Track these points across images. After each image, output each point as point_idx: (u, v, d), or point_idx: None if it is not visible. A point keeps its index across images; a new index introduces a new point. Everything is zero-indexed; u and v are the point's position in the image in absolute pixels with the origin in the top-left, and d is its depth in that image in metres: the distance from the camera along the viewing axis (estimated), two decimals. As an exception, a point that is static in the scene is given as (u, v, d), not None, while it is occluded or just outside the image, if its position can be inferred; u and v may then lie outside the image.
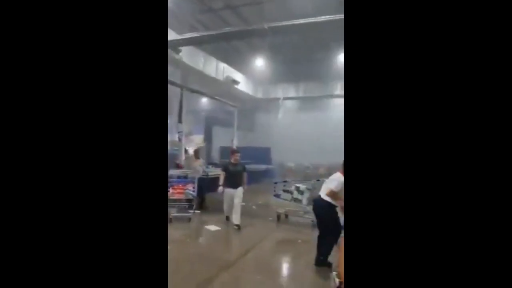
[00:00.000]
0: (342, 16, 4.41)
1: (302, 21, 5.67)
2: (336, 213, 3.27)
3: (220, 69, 9.23)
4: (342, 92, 11.91)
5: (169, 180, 5.57)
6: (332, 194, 3.22)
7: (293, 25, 5.77)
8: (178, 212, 5.32)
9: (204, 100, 14.44)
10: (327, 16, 5.44)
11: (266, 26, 5.80)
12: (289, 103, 14.06)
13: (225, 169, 5.26)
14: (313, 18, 5.59)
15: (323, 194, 3.35)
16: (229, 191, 5.13)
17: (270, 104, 13.57)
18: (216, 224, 5.15)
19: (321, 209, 3.33)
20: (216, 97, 10.95)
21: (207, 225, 5.13)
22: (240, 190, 5.06)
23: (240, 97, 11.96)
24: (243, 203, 5.32)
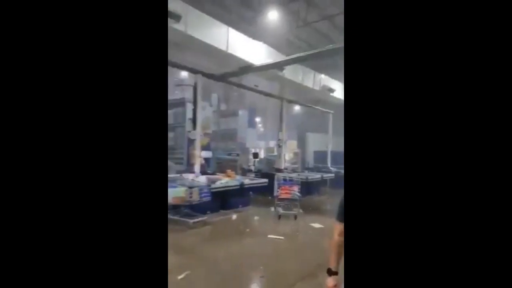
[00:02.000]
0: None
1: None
2: None
3: (317, 80, 9.87)
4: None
5: (278, 182, 6.50)
6: None
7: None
8: (285, 210, 6.16)
9: (297, 107, 15.22)
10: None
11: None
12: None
13: None
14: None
15: None
16: None
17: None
18: (319, 223, 5.79)
19: None
20: (309, 105, 11.60)
21: (311, 223, 5.82)
22: None
23: (335, 103, 12.31)
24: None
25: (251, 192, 7.25)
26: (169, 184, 5.10)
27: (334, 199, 6.86)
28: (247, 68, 7.20)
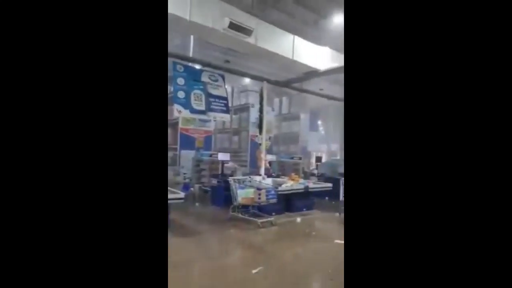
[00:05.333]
0: None
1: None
2: None
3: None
4: None
5: (343, 187, 6.42)
6: None
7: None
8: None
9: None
10: None
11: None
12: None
13: None
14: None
15: None
16: None
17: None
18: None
19: None
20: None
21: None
22: None
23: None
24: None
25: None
26: (238, 185, 5.51)
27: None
28: (311, 73, 7.30)
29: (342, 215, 5.98)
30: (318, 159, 10.65)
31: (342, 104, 9.84)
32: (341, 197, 6.24)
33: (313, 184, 7.17)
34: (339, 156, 10.13)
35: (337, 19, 8.32)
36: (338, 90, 10.82)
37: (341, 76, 8.19)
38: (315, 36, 8.24)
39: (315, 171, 9.92)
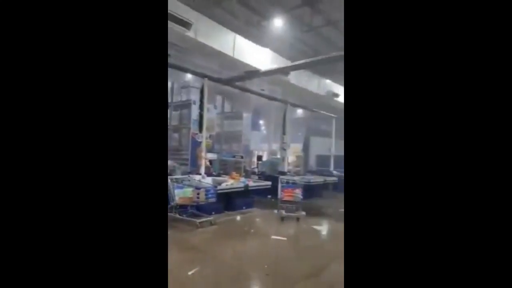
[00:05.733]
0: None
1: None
2: None
3: (321, 85, 10.05)
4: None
5: (281, 185, 6.66)
6: None
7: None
8: (287, 212, 6.30)
9: (301, 110, 15.39)
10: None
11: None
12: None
13: None
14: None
15: None
16: None
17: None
18: (320, 225, 5.94)
19: None
20: (314, 109, 11.75)
21: (314, 225, 5.96)
22: None
23: (339, 108, 12.45)
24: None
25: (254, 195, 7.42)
26: (176, 184, 5.28)
27: (336, 203, 7.06)
28: (253, 73, 7.39)
29: (281, 211, 6.20)
30: (259, 157, 10.87)
31: (282, 104, 10.21)
32: (279, 195, 6.45)
33: (253, 183, 7.27)
34: (279, 155, 10.49)
35: (278, 22, 8.57)
36: (279, 91, 11.20)
37: (282, 78, 8.55)
38: (257, 36, 8.38)
39: (256, 170, 10.11)
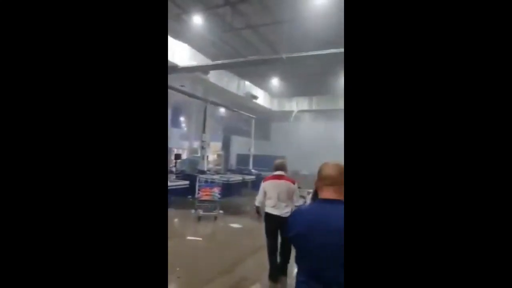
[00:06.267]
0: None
1: (315, 52, 6.67)
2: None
3: (241, 86, 10.28)
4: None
5: (199, 184, 6.56)
6: None
7: (307, 56, 6.77)
8: (205, 212, 6.25)
9: (222, 109, 15.50)
10: (338, 50, 6.43)
11: (284, 56, 6.82)
12: (303, 115, 15.01)
13: None
14: (325, 51, 6.59)
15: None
16: None
17: (286, 115, 14.47)
18: (238, 223, 6.07)
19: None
20: (235, 110, 11.98)
21: (231, 223, 6.06)
22: None
23: (258, 110, 12.98)
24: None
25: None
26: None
27: (253, 201, 7.28)
28: (170, 69, 7.08)
29: (198, 211, 6.10)
30: (177, 156, 10.49)
31: (203, 102, 10.06)
32: (197, 194, 6.35)
33: (169, 182, 6.97)
34: (200, 153, 10.32)
35: (198, 19, 8.43)
36: (199, 89, 11.01)
37: (202, 76, 8.41)
38: (177, 31, 8.06)
39: (174, 169, 9.73)
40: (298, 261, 1.30)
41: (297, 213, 1.44)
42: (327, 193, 1.27)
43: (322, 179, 1.30)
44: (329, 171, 1.29)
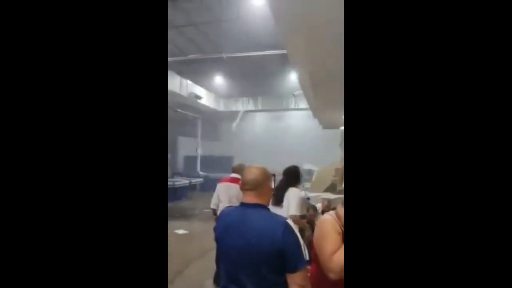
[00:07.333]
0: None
1: (256, 53, 6.72)
2: None
3: (184, 85, 9.91)
4: (297, 106, 13.22)
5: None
6: None
7: (248, 56, 6.78)
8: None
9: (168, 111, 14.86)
10: (279, 51, 6.56)
11: (224, 56, 6.73)
12: (250, 115, 15.13)
13: None
14: (266, 52, 6.67)
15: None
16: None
17: (232, 116, 14.43)
18: (184, 229, 5.83)
19: None
20: (179, 110, 11.56)
21: (176, 229, 5.79)
22: None
23: (203, 110, 12.71)
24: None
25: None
26: None
27: (202, 203, 7.09)
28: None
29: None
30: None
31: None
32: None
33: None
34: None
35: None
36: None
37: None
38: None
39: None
40: (217, 263, 1.31)
41: (220, 215, 1.44)
42: (248, 198, 1.29)
43: (243, 184, 1.32)
44: (250, 176, 1.30)
